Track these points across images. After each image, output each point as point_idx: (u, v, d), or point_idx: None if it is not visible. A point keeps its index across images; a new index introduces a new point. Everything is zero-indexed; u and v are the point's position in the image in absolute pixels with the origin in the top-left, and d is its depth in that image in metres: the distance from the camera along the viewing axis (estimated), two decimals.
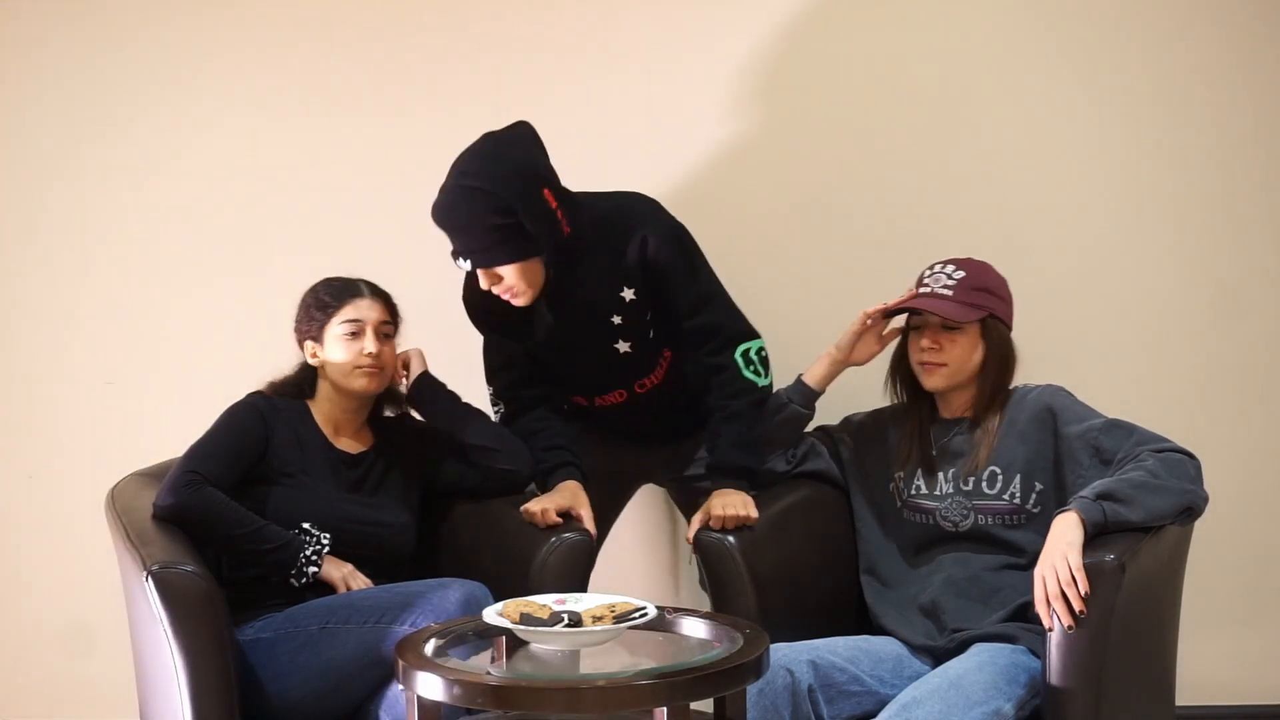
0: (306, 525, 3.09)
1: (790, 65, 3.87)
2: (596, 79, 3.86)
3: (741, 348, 3.30)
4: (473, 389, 3.42)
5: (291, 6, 3.91)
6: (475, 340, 3.45)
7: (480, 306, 3.33)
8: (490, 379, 3.43)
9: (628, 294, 3.28)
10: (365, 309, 3.21)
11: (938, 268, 3.14)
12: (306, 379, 3.26)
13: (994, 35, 3.86)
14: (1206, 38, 3.83)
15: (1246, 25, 3.82)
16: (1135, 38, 3.84)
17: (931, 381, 3.13)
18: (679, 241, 3.30)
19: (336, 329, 3.19)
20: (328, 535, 3.10)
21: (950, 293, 3.09)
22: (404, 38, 3.90)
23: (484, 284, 3.20)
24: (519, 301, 3.22)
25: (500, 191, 3.11)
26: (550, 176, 3.21)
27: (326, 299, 3.22)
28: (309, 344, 3.23)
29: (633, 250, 3.25)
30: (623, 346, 3.33)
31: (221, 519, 3.02)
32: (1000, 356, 3.12)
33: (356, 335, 3.19)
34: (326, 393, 3.24)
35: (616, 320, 3.30)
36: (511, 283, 3.18)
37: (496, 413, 3.42)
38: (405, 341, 3.32)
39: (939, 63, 3.86)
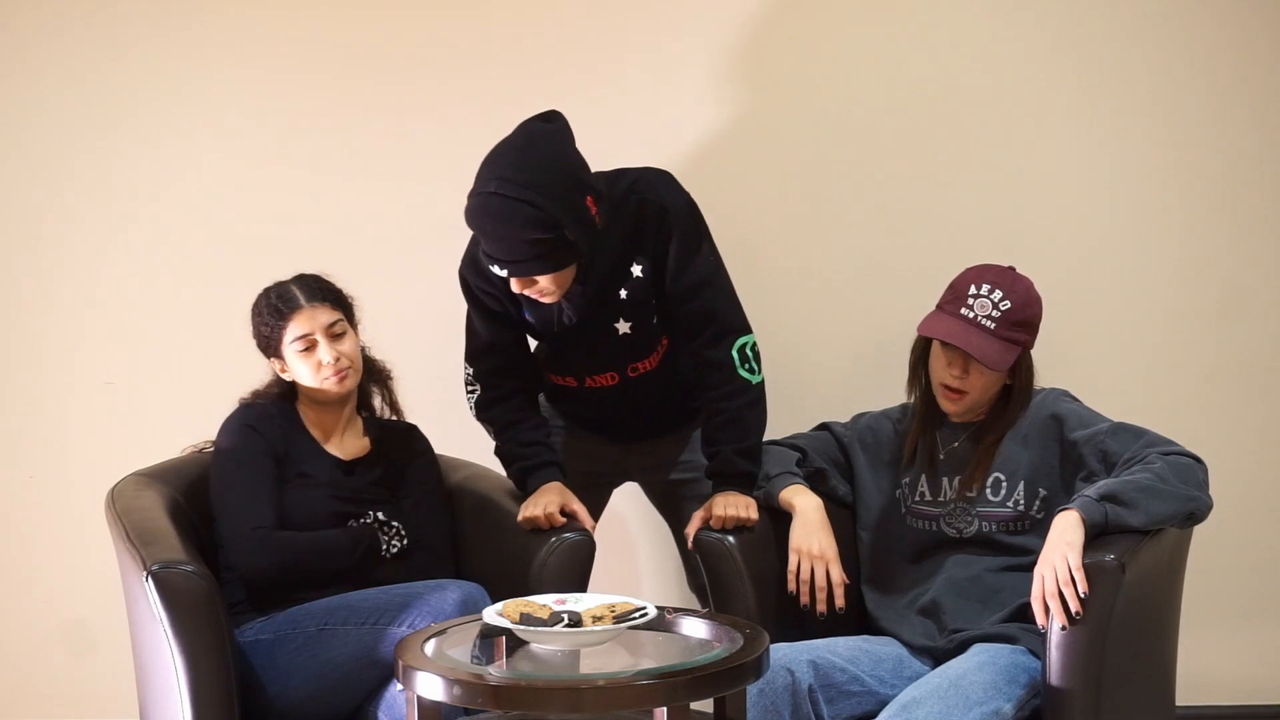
0: (361, 522, 3.12)
1: (788, 60, 3.87)
2: (588, 71, 3.85)
3: (738, 343, 3.24)
4: (459, 388, 3.41)
5: (290, 11, 3.90)
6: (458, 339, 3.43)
7: (483, 287, 3.26)
8: (470, 359, 3.35)
9: (636, 269, 3.22)
10: (308, 319, 3.12)
11: (985, 289, 3.03)
12: (287, 385, 3.22)
13: (994, 32, 3.86)
14: (1208, 38, 3.82)
15: (1248, 25, 3.82)
16: (1137, 37, 3.83)
17: (949, 408, 3.10)
18: (692, 215, 3.23)
19: (290, 348, 3.13)
20: (397, 523, 3.14)
21: (993, 326, 3.00)
22: (401, 37, 3.90)
23: (516, 288, 3.12)
24: (547, 300, 3.16)
25: (545, 205, 2.99)
26: (590, 179, 3.13)
27: (270, 318, 3.14)
28: (274, 361, 3.19)
29: (649, 220, 3.18)
30: (623, 326, 3.27)
31: (310, 553, 3.05)
32: (1022, 385, 3.09)
33: (310, 349, 3.13)
34: (307, 399, 3.21)
35: (623, 294, 3.23)
36: (545, 286, 3.10)
37: (471, 393, 3.35)
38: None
39: (939, 61, 3.86)
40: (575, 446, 3.45)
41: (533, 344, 3.43)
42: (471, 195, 3.06)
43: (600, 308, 3.24)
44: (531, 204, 2.99)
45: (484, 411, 3.34)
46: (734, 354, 3.24)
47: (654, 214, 3.19)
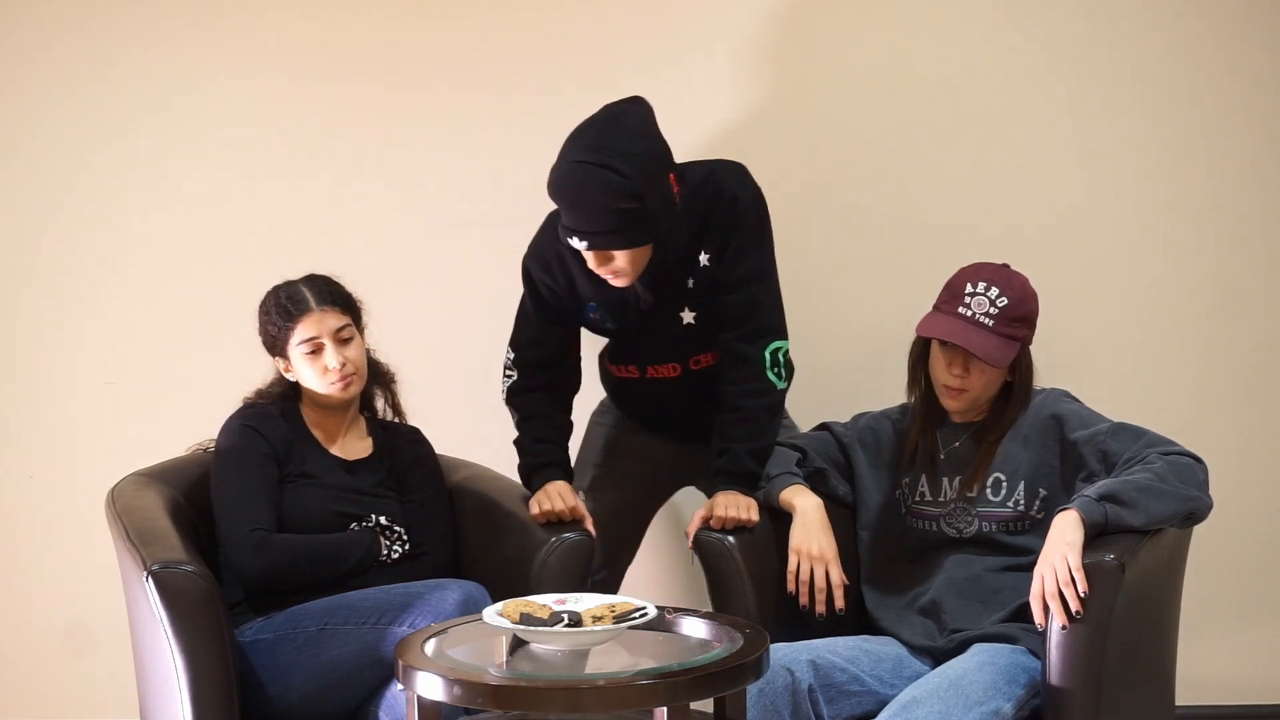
0: (363, 525, 3.11)
1: (787, 63, 3.87)
2: (593, 74, 3.84)
3: (772, 345, 3.24)
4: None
5: (299, 13, 3.90)
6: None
7: (544, 280, 3.26)
8: (514, 346, 3.35)
9: (704, 258, 3.21)
10: (317, 323, 3.11)
11: (981, 287, 3.04)
12: (290, 385, 3.22)
13: (993, 32, 3.86)
14: (1205, 37, 3.83)
15: (1244, 25, 3.82)
16: (1132, 40, 3.83)
17: (951, 405, 3.10)
18: (760, 209, 3.24)
19: (296, 350, 3.13)
20: (400, 527, 3.13)
21: (991, 323, 3.01)
22: (407, 39, 3.90)
23: (592, 264, 3.11)
24: (620, 283, 3.14)
25: (632, 176, 3.01)
26: (671, 158, 3.15)
27: (279, 318, 3.13)
28: (279, 360, 3.18)
29: (721, 207, 3.19)
30: (688, 316, 3.26)
31: (308, 557, 3.05)
32: (1022, 382, 3.09)
33: (316, 353, 3.12)
34: (310, 400, 3.21)
35: (690, 283, 3.23)
36: (622, 265, 3.10)
37: (508, 377, 3.35)
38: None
39: (939, 62, 3.86)
40: (635, 448, 3.46)
41: (585, 340, 3.41)
42: (556, 166, 3.07)
43: (668, 295, 3.23)
44: (618, 172, 3.01)
45: (513, 397, 3.35)
46: (766, 354, 3.24)
47: (726, 202, 3.20)
